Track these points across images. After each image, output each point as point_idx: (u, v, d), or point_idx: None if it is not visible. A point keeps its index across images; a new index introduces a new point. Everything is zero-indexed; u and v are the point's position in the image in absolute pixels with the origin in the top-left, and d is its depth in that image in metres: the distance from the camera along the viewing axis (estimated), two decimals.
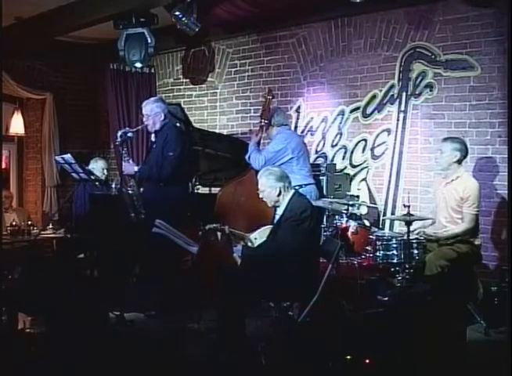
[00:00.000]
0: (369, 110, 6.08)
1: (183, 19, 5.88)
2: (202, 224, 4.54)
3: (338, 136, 6.34)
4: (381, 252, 4.79)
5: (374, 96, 6.03)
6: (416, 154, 5.75)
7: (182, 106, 6.51)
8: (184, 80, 7.87)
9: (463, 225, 4.69)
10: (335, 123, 6.36)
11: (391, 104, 5.91)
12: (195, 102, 7.73)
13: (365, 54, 6.06)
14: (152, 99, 5.66)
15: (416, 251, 4.67)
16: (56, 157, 6.56)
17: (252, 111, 7.03)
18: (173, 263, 5.31)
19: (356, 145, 6.19)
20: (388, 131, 5.95)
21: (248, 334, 4.06)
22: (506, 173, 4.99)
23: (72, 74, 8.72)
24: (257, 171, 4.99)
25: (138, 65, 6.85)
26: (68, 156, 5.92)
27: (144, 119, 5.47)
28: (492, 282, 4.90)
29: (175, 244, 4.60)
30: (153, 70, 7.63)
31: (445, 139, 4.92)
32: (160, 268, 5.22)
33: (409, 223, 4.58)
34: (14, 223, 6.54)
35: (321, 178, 5.83)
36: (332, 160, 6.34)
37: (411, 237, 4.63)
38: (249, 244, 4.37)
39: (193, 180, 5.88)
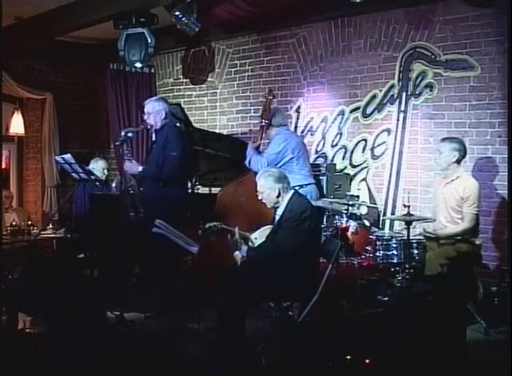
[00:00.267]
0: (369, 110, 6.08)
1: (183, 19, 5.88)
2: (202, 223, 4.54)
3: (338, 136, 6.34)
4: (381, 252, 4.80)
5: (374, 96, 6.03)
6: (416, 154, 5.75)
7: (182, 106, 6.51)
8: (184, 80, 7.88)
9: (463, 224, 4.69)
10: (335, 123, 6.36)
11: (391, 104, 5.91)
12: (195, 102, 7.73)
13: (365, 54, 6.06)
14: (154, 97, 5.69)
15: (416, 251, 4.67)
16: (56, 157, 6.56)
17: (252, 111, 7.03)
18: (173, 263, 5.31)
19: (356, 145, 6.20)
20: (388, 131, 5.95)
21: (248, 334, 4.06)
22: (506, 173, 4.99)
23: (72, 74, 8.72)
24: (257, 172, 4.99)
25: (138, 65, 6.85)
26: (68, 156, 5.92)
27: (145, 117, 5.47)
28: (492, 282, 4.90)
29: (175, 244, 4.60)
30: (153, 70, 7.63)
31: (444, 140, 4.92)
32: (160, 268, 5.22)
33: (409, 223, 4.58)
34: (14, 223, 6.54)
35: (321, 178, 5.83)
36: (332, 160, 6.34)
37: (411, 237, 4.63)
38: (249, 243, 4.37)
39: (193, 180, 5.88)
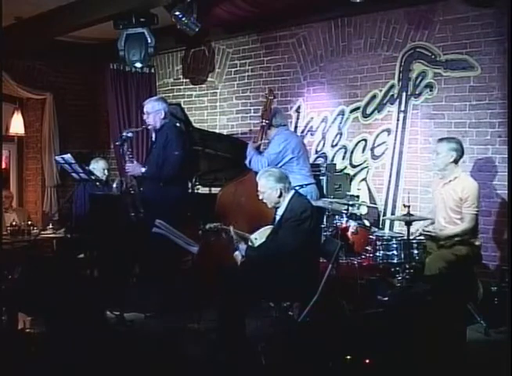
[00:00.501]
0: (369, 110, 6.08)
1: (183, 19, 5.88)
2: (202, 223, 4.54)
3: (338, 136, 6.34)
4: (381, 252, 4.80)
5: (374, 96, 6.03)
6: (416, 154, 5.75)
7: (182, 106, 6.51)
8: (184, 80, 7.88)
9: (462, 225, 4.69)
10: (335, 123, 6.36)
11: (391, 104, 5.91)
12: (195, 102, 7.73)
13: (365, 54, 6.06)
14: (154, 97, 5.69)
15: (416, 251, 4.67)
16: (56, 157, 6.56)
17: (252, 111, 7.03)
18: (173, 263, 5.31)
19: (356, 145, 6.20)
20: (388, 131, 5.95)
21: (248, 334, 4.06)
22: (506, 173, 4.99)
23: (72, 74, 8.72)
24: (257, 172, 4.99)
25: (138, 65, 6.85)
26: (68, 156, 5.92)
27: (144, 117, 5.48)
28: (492, 282, 4.90)
29: (175, 244, 4.60)
30: (153, 70, 7.63)
31: (441, 140, 4.91)
32: (160, 268, 5.22)
33: (409, 223, 4.58)
34: (14, 223, 6.54)
35: (321, 178, 5.83)
36: (332, 160, 6.34)
37: (411, 237, 4.63)
38: (249, 243, 4.37)
39: (193, 180, 5.88)
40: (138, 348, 4.17)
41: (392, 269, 4.82)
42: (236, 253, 4.27)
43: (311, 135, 6.55)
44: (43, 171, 8.46)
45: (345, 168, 6.24)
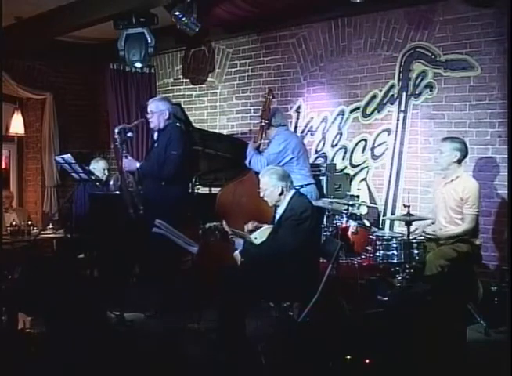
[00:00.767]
0: (369, 110, 6.08)
1: (183, 19, 5.88)
2: (202, 223, 4.54)
3: (338, 136, 6.34)
4: (381, 252, 4.80)
5: (374, 96, 6.03)
6: (416, 154, 5.75)
7: (182, 106, 6.51)
8: (184, 80, 7.88)
9: (463, 225, 4.69)
10: (335, 123, 6.36)
11: (391, 104, 5.91)
12: (195, 102, 7.73)
13: (365, 54, 6.06)
14: (158, 97, 5.69)
15: (416, 251, 4.67)
16: (56, 157, 6.56)
17: (252, 111, 7.03)
18: (173, 263, 5.31)
19: (356, 145, 6.20)
20: (388, 131, 5.95)
21: (248, 334, 4.06)
22: (506, 173, 4.99)
23: (72, 74, 8.72)
24: (257, 172, 4.99)
25: (138, 65, 6.85)
26: (68, 156, 5.92)
27: (148, 116, 5.46)
28: (492, 282, 4.90)
29: (175, 244, 4.60)
30: (153, 70, 7.63)
31: (445, 139, 4.92)
32: (160, 268, 5.22)
33: (409, 223, 4.58)
34: (14, 223, 6.54)
35: (321, 178, 5.83)
36: (332, 160, 6.34)
37: (411, 237, 4.63)
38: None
39: (193, 180, 5.88)
40: (138, 348, 4.17)
41: (392, 269, 4.81)
42: (236, 253, 4.27)
43: (311, 135, 6.55)
44: (43, 171, 8.46)
45: (345, 168, 6.24)
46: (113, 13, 6.34)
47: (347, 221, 5.23)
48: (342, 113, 6.29)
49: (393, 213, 5.88)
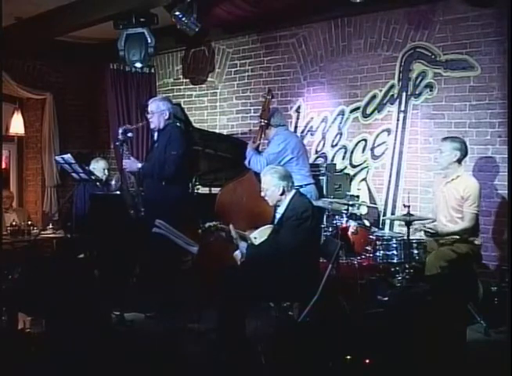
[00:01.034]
0: (369, 110, 6.08)
1: (183, 19, 5.88)
2: (202, 223, 4.54)
3: (338, 136, 6.34)
4: (381, 252, 4.80)
5: (374, 96, 6.03)
6: (416, 154, 5.75)
7: (182, 106, 6.51)
8: (184, 80, 7.88)
9: (462, 224, 4.70)
10: (335, 123, 6.36)
11: (391, 104, 5.91)
12: (195, 102, 7.73)
13: (365, 54, 6.06)
14: (159, 97, 5.69)
15: (416, 251, 4.67)
16: (56, 157, 6.57)
17: (252, 111, 7.03)
18: (173, 263, 5.31)
19: (356, 145, 6.19)
20: (388, 131, 5.95)
21: (248, 334, 4.06)
22: (506, 173, 4.99)
23: (72, 74, 8.72)
24: (256, 172, 4.99)
25: (138, 65, 6.85)
26: (68, 156, 5.92)
27: (149, 116, 5.46)
28: (492, 282, 4.90)
29: (175, 244, 4.60)
30: (153, 70, 7.62)
31: (445, 139, 4.93)
32: (160, 268, 5.22)
33: (409, 223, 4.58)
34: (14, 223, 6.54)
35: (321, 178, 5.82)
36: (332, 160, 6.34)
37: (412, 234, 4.63)
38: (248, 242, 4.37)
39: (193, 180, 5.88)
40: (138, 348, 4.17)
41: (392, 269, 4.82)
42: (236, 253, 4.27)
43: (311, 135, 6.55)
44: (43, 171, 8.47)
45: (345, 168, 6.24)
46: (113, 13, 6.34)
47: (347, 221, 5.23)
48: (342, 113, 6.29)
49: (393, 213, 5.88)
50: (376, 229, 5.56)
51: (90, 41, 7.91)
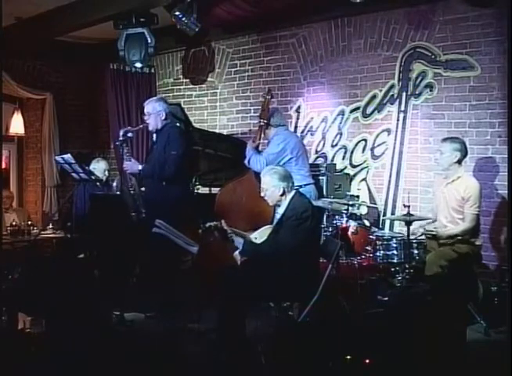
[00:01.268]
0: (369, 110, 6.08)
1: (183, 19, 5.88)
2: (202, 222, 4.54)
3: (338, 136, 6.34)
4: (381, 252, 4.80)
5: (374, 96, 6.03)
6: (416, 154, 5.75)
7: (182, 106, 6.51)
8: (184, 80, 7.88)
9: (463, 224, 4.70)
10: (335, 123, 6.36)
11: (391, 104, 5.91)
12: (195, 102, 7.73)
13: (365, 54, 6.06)
14: (154, 98, 5.68)
15: (416, 251, 4.68)
16: (56, 157, 6.56)
17: (252, 111, 7.03)
18: (173, 263, 5.31)
19: (356, 145, 6.20)
20: (388, 131, 5.95)
21: (248, 334, 4.06)
22: (506, 173, 4.99)
23: (72, 74, 8.72)
24: (256, 172, 4.99)
25: (138, 65, 6.85)
26: (68, 156, 5.92)
27: (145, 118, 5.47)
28: (492, 282, 4.90)
29: (175, 244, 4.60)
30: (153, 70, 7.62)
31: (445, 140, 4.92)
32: (160, 268, 5.22)
33: (409, 223, 4.58)
34: (14, 223, 6.54)
35: (321, 178, 5.82)
36: (332, 160, 6.34)
37: (411, 237, 4.63)
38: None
39: (193, 180, 5.88)
40: (138, 348, 4.17)
41: (392, 269, 4.82)
42: (236, 253, 4.27)
43: (311, 135, 6.55)
44: (43, 171, 8.47)
45: (345, 168, 6.24)
46: (113, 13, 6.35)
47: (347, 221, 5.23)
48: (342, 113, 6.29)
49: (393, 213, 5.88)
50: (376, 229, 5.56)
51: (90, 41, 7.91)
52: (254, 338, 4.10)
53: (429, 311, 3.83)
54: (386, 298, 4.58)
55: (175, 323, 4.69)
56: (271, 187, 4.20)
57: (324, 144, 6.45)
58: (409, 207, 4.57)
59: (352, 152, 6.22)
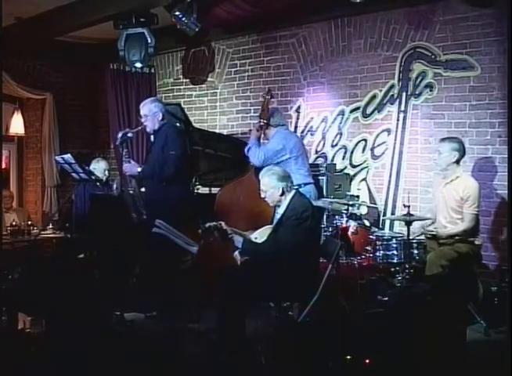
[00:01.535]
0: (369, 110, 6.08)
1: (183, 19, 5.88)
2: (201, 222, 4.54)
3: (338, 136, 6.34)
4: (381, 252, 4.80)
5: (374, 96, 6.03)
6: (416, 154, 5.75)
7: (182, 106, 6.51)
8: (184, 80, 7.88)
9: (463, 224, 4.70)
10: (335, 123, 6.36)
11: (391, 104, 5.91)
12: (195, 102, 7.73)
13: (365, 54, 6.06)
14: (149, 99, 5.64)
15: (416, 251, 4.68)
16: (56, 157, 6.56)
17: (252, 111, 7.03)
18: (173, 263, 5.31)
19: (356, 145, 6.20)
20: (388, 131, 5.95)
21: (248, 334, 4.06)
22: (506, 173, 4.99)
23: (72, 74, 8.72)
24: (256, 171, 4.99)
25: (138, 65, 6.85)
26: (68, 156, 5.92)
27: (143, 120, 5.46)
28: (492, 282, 4.90)
29: (175, 244, 4.60)
30: (153, 70, 7.62)
31: (443, 140, 4.92)
32: (160, 268, 5.22)
33: (409, 223, 4.58)
34: (14, 223, 6.54)
35: (321, 178, 5.82)
36: (332, 160, 6.34)
37: (412, 236, 4.63)
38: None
39: (193, 180, 5.88)
40: (138, 348, 4.17)
41: (392, 269, 4.82)
42: (236, 253, 4.27)
43: (311, 135, 6.55)
44: (43, 171, 8.47)
45: (345, 168, 6.24)
46: (113, 13, 6.35)
47: (347, 221, 5.23)
48: (342, 113, 6.29)
49: (393, 213, 5.88)
50: (376, 229, 5.56)
51: (90, 41, 7.91)
52: (254, 338, 4.10)
53: (429, 311, 3.83)
54: (386, 298, 4.57)
55: (175, 323, 4.69)
56: (270, 188, 4.21)
57: (324, 144, 6.45)
58: (409, 207, 4.56)
59: (352, 152, 6.22)
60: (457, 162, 4.82)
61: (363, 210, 5.93)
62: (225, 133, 7.20)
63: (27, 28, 7.02)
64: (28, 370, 3.69)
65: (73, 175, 5.95)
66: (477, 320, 4.55)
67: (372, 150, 6.09)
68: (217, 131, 7.30)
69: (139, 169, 5.38)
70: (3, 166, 8.52)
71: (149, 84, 7.58)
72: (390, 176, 5.95)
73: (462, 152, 4.82)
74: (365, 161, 6.13)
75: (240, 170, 5.41)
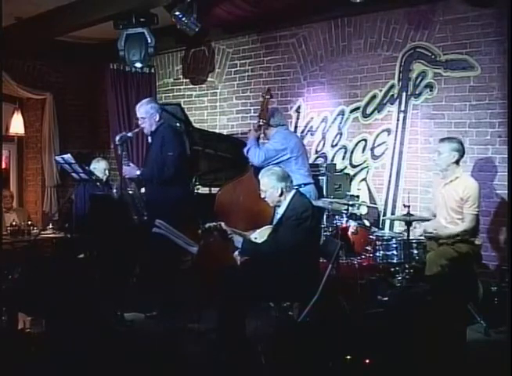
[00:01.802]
0: (369, 110, 6.08)
1: (183, 19, 5.88)
2: (201, 222, 4.54)
3: (338, 136, 6.34)
4: (381, 252, 4.80)
5: (374, 96, 6.03)
6: (416, 154, 5.75)
7: (182, 106, 6.51)
8: (184, 80, 7.88)
9: (463, 225, 4.69)
10: (335, 123, 6.36)
11: (391, 104, 5.91)
12: (195, 102, 7.73)
13: (365, 54, 6.06)
14: (145, 100, 5.61)
15: (416, 251, 4.67)
16: (56, 157, 6.56)
17: (252, 111, 7.03)
18: (173, 263, 5.31)
19: (356, 145, 6.20)
20: (388, 131, 5.95)
21: (248, 334, 4.06)
22: (506, 173, 4.99)
23: (72, 74, 8.72)
24: (256, 171, 4.99)
25: (138, 65, 6.85)
26: (68, 156, 5.92)
27: (140, 122, 5.45)
28: (492, 282, 4.90)
29: (175, 244, 4.60)
30: (153, 70, 7.62)
31: (443, 140, 4.92)
32: (160, 268, 5.22)
33: (409, 223, 4.58)
34: (14, 223, 6.54)
35: (321, 178, 5.82)
36: (332, 160, 6.34)
37: (411, 237, 4.63)
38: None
39: (193, 180, 5.88)
40: (138, 348, 4.17)
41: (392, 269, 4.82)
42: (236, 253, 4.27)
43: (311, 135, 6.55)
44: (43, 171, 8.47)
45: (345, 168, 6.24)
46: (113, 13, 6.34)
47: (347, 221, 5.23)
48: (342, 113, 6.29)
49: (393, 213, 5.88)
50: (376, 229, 5.56)
51: (90, 41, 7.91)
52: (254, 338, 4.10)
53: (429, 311, 3.83)
54: (386, 298, 4.57)
55: (175, 323, 4.69)
56: (269, 188, 4.21)
57: (324, 144, 6.45)
58: (409, 207, 4.56)
59: (352, 152, 6.22)
60: (457, 162, 4.81)
61: (363, 210, 5.93)
62: (225, 133, 7.20)
63: (27, 28, 7.02)
64: (28, 370, 3.69)
65: (73, 175, 5.96)
66: (477, 320, 4.56)
67: (372, 150, 6.08)
68: (217, 131, 7.30)
69: (138, 172, 5.39)
70: (3, 166, 8.52)
71: (149, 85, 7.58)
72: (390, 176, 5.95)
73: (462, 152, 4.82)
74: (365, 161, 6.13)
75: (240, 170, 5.41)
